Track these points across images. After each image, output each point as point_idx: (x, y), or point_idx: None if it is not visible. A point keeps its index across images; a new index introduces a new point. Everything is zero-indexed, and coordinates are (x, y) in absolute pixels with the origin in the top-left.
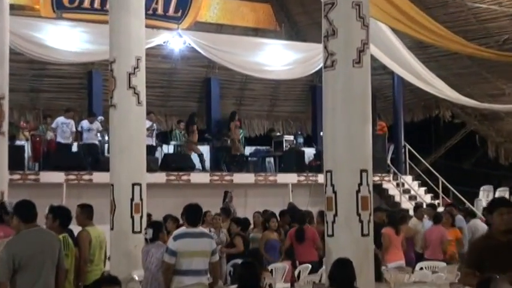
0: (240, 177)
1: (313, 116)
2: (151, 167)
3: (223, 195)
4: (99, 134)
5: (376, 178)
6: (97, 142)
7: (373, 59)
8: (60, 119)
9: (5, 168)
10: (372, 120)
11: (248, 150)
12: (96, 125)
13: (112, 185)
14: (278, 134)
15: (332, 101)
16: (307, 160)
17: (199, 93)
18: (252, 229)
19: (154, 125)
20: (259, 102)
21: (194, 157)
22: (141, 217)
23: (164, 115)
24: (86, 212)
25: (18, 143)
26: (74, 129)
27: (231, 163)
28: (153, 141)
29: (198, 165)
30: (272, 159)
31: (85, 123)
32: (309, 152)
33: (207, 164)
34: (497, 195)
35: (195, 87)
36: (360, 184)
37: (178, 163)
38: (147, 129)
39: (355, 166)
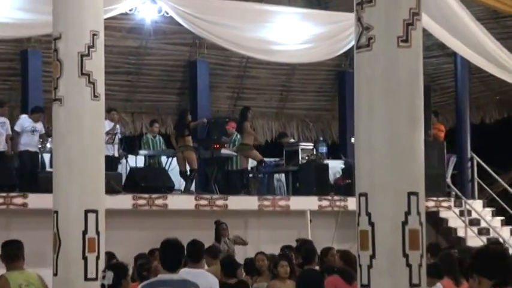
0: (238, 202)
1: (340, 115)
2: (112, 187)
3: (215, 228)
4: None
5: (431, 204)
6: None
7: (427, 34)
8: None
9: None
10: (424, 122)
11: (249, 163)
12: (41, 125)
13: (56, 212)
14: (292, 140)
15: (368, 94)
16: (332, 177)
17: (181, 82)
18: (256, 278)
19: (117, 127)
20: (265, 96)
21: (174, 173)
22: (98, 258)
23: (131, 113)
24: (6, 252)
25: None
26: (9, 132)
27: (228, 181)
28: (114, 150)
29: (179, 184)
30: (283, 176)
31: (26, 120)
32: (335, 166)
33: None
34: None
35: (174, 74)
36: (408, 213)
37: (151, 181)
38: (107, 133)
39: (400, 187)
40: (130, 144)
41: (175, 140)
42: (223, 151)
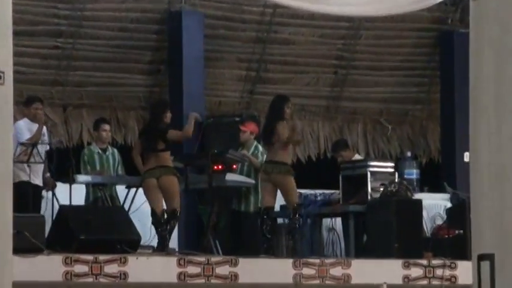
0: (258, 269)
1: (444, 112)
2: (28, 242)
3: None
4: None
5: None
6: None
7: None
8: None
9: None
10: None
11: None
12: None
13: None
14: (356, 156)
15: (496, 74)
16: (429, 225)
17: (155, 50)
18: None
19: (44, 131)
20: (307, 76)
21: (139, 217)
22: None
23: (62, 107)
24: None
25: None
26: None
27: (240, 232)
28: (34, 175)
29: (149, 236)
30: (339, 222)
31: None
32: (435, 205)
33: (174, 233)
34: None
35: (142, 36)
36: None
37: (97, 231)
38: (21, 145)
39: None
40: (61, 164)
41: (142, 156)
42: (230, 177)
